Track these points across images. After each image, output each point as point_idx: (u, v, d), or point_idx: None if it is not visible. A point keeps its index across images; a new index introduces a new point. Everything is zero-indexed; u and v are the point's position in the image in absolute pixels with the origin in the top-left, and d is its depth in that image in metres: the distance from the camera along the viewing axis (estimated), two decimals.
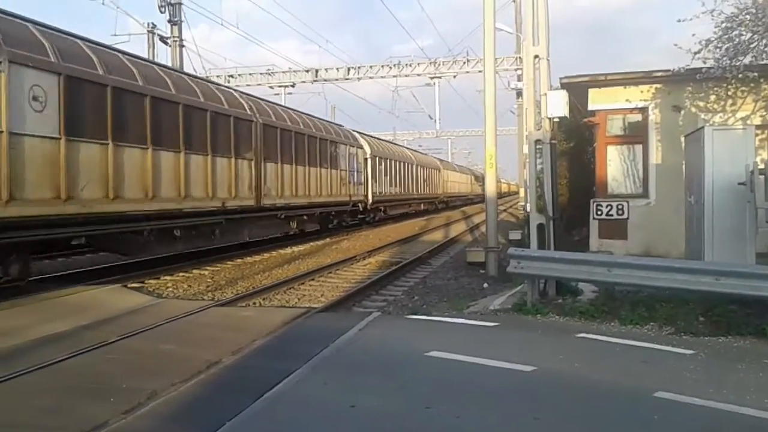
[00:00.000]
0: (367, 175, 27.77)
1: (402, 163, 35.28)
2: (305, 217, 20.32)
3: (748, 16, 10.62)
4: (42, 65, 9.59)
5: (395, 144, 41.14)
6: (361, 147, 27.38)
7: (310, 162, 20.54)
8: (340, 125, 27.51)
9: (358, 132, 29.59)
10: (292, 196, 18.98)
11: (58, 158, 9.80)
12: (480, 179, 73.08)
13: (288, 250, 18.12)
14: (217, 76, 29.51)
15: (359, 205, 26.21)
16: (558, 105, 10.46)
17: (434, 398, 5.00)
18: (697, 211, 9.36)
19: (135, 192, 11.57)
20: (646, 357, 6.34)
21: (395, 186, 33.47)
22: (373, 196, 28.18)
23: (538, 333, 7.49)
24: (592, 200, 11.24)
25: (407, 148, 44.72)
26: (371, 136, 32.60)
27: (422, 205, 41.58)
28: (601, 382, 5.53)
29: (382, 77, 32.10)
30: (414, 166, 38.60)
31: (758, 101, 12.03)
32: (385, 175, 31.16)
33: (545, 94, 10.70)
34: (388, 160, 31.99)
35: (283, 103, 26.22)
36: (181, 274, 13.06)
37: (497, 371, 5.75)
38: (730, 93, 12.11)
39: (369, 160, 28.13)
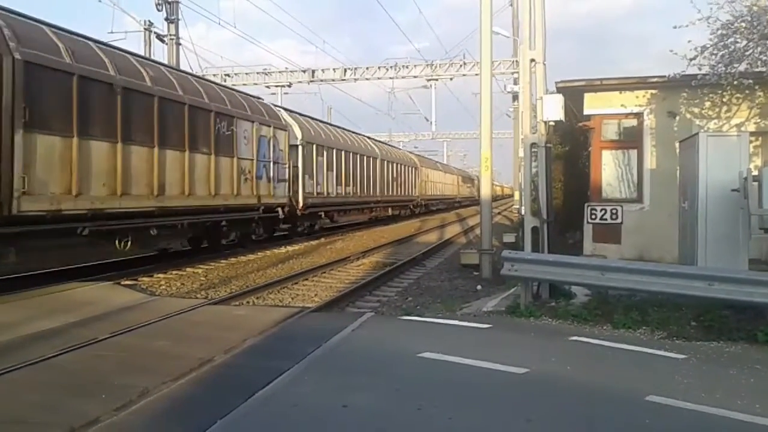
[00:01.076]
0: (297, 168, 20.65)
1: (358, 156, 28.22)
2: (153, 231, 12.44)
3: (743, 24, 10.67)
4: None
5: (354, 133, 31.58)
6: (285, 129, 19.44)
7: (170, 142, 12.81)
8: (257, 98, 19.95)
9: (289, 110, 22.47)
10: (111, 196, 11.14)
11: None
12: (469, 180, 68.86)
13: (282, 250, 18.11)
14: (214, 75, 29.45)
15: (279, 210, 18.61)
16: (554, 109, 10.49)
17: (426, 399, 5.00)
18: (690, 216, 9.41)
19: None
20: (638, 361, 6.36)
21: (349, 185, 26.56)
22: (305, 198, 20.97)
23: (531, 335, 7.50)
24: (586, 204, 11.24)
25: (374, 140, 35.63)
26: (313, 119, 25.49)
27: (391, 209, 34.61)
28: (593, 385, 5.53)
29: (378, 78, 32.10)
30: (378, 161, 31.79)
31: (753, 108, 12.09)
32: (330, 170, 24.02)
33: (541, 98, 10.73)
34: (334, 151, 24.61)
35: (279, 103, 26.09)
36: (174, 271, 13.02)
37: (490, 373, 5.76)
38: (725, 100, 12.16)
39: (300, 148, 20.86)
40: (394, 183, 35.28)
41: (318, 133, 23.52)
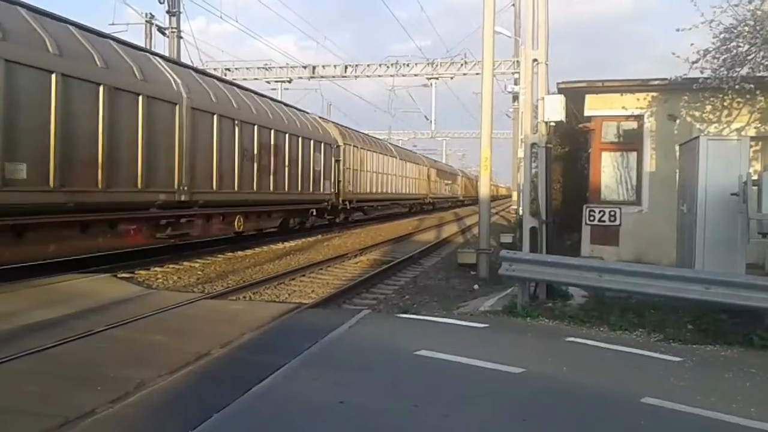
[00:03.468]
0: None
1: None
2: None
3: (746, 28, 10.67)
4: None
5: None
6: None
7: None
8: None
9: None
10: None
11: None
12: (449, 175, 55.88)
13: (279, 246, 18.09)
14: (214, 69, 29.35)
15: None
16: (555, 109, 10.50)
17: (422, 397, 5.00)
18: (689, 219, 9.42)
19: None
20: (634, 363, 6.37)
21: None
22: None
23: (528, 336, 7.51)
24: (585, 206, 11.26)
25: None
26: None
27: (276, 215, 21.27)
28: (589, 386, 5.54)
29: (379, 76, 32.00)
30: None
31: (753, 113, 12.10)
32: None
33: (543, 98, 10.74)
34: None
35: (279, 98, 26.10)
36: (171, 265, 13.01)
37: (486, 372, 5.76)
38: (725, 104, 12.17)
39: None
40: (286, 172, 23.75)
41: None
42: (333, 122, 26.68)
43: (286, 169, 18.74)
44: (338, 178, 24.34)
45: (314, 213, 22.15)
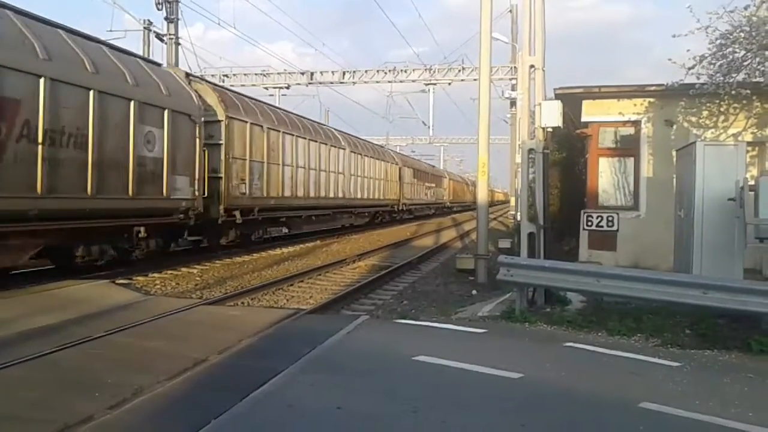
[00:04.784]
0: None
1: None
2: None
3: (742, 34, 10.70)
4: None
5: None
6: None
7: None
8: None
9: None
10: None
11: None
12: (430, 177, 47.13)
13: (278, 251, 18.09)
14: (212, 75, 29.43)
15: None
16: (552, 115, 10.54)
17: (421, 402, 5.00)
18: (686, 224, 9.44)
19: None
20: (632, 368, 6.37)
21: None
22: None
23: (526, 341, 7.51)
24: (582, 211, 11.27)
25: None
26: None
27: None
28: (587, 391, 5.54)
29: (377, 82, 32.19)
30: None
31: (750, 118, 12.12)
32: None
33: (540, 104, 10.78)
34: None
35: (277, 104, 26.12)
36: (169, 271, 13.00)
37: (484, 377, 5.76)
38: (722, 109, 12.19)
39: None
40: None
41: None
42: (210, 83, 17.31)
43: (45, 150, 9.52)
44: (217, 172, 15.37)
45: (142, 234, 12.28)
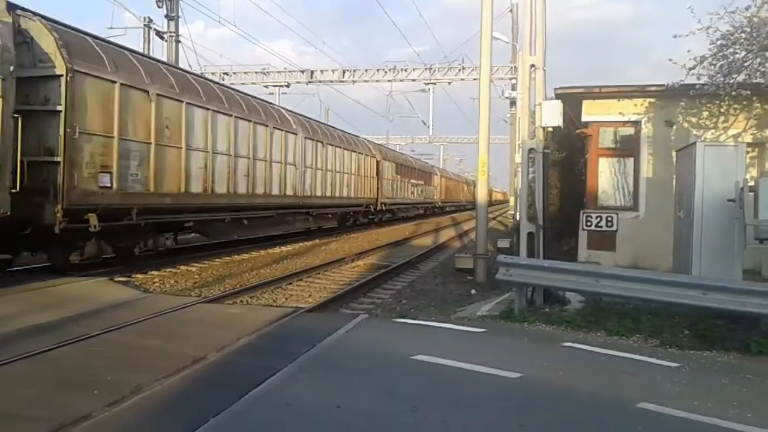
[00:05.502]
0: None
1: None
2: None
3: (743, 35, 10.70)
4: None
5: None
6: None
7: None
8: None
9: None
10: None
11: None
12: (418, 173, 41.50)
13: (276, 250, 18.08)
14: (212, 74, 29.39)
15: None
16: (552, 115, 10.53)
17: (420, 402, 4.99)
18: (685, 225, 9.43)
19: None
20: (630, 368, 6.37)
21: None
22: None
23: (525, 340, 7.50)
24: (582, 211, 11.26)
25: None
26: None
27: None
28: (585, 391, 5.54)
29: (377, 81, 32.12)
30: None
31: (750, 119, 12.12)
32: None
33: (540, 104, 10.77)
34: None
35: (277, 103, 26.09)
36: (168, 269, 12.99)
37: (483, 377, 5.75)
38: (722, 110, 12.18)
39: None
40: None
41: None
42: (50, 21, 10.56)
43: None
44: (52, 154, 10.17)
45: None
